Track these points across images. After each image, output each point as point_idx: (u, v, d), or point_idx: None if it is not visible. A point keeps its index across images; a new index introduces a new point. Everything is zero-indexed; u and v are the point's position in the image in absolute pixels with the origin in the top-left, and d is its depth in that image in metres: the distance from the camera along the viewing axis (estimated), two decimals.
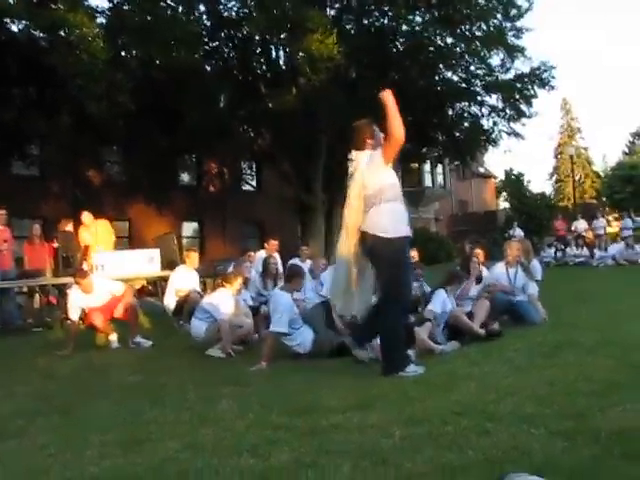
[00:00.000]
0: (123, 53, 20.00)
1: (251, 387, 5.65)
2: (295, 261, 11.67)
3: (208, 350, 7.63)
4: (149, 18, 19.18)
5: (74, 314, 8.86)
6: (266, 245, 12.46)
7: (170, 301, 10.26)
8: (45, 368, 7.23)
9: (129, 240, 25.15)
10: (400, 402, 4.70)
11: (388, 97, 6.10)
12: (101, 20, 19.67)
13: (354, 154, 6.17)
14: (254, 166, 30.80)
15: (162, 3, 20.53)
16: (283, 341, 7.33)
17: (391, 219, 5.81)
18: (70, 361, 7.65)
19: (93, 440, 4.21)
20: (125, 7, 19.90)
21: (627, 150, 73.92)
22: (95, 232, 12.69)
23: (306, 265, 10.96)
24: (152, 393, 5.61)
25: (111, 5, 20.18)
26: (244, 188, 30.05)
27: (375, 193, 5.85)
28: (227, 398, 5.20)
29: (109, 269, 11.56)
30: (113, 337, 8.89)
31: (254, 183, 31.18)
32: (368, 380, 5.63)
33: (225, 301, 8.09)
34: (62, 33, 17.20)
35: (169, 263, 12.18)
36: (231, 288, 8.32)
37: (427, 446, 3.63)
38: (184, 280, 10.27)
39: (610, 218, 28.75)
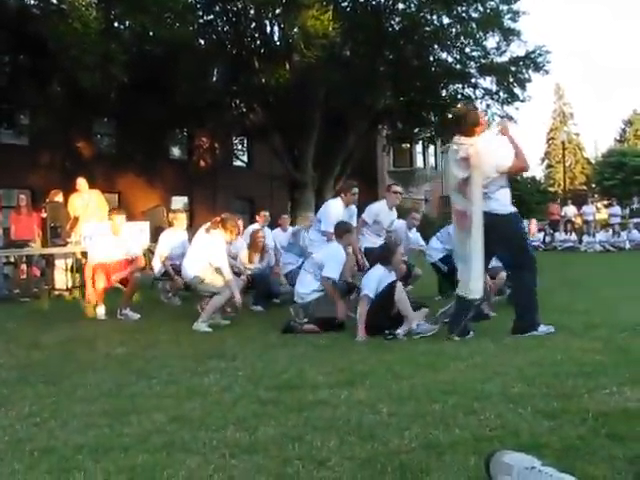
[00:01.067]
0: (116, 24, 19.79)
1: (238, 361, 5.63)
2: (277, 231, 11.79)
3: (195, 324, 7.59)
4: None
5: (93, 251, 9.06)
6: (257, 217, 12.38)
7: (156, 265, 10.18)
8: (31, 338, 7.17)
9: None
10: (388, 379, 4.71)
11: (507, 130, 6.52)
12: None
13: (461, 139, 6.37)
14: (245, 142, 30.70)
15: None
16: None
17: (509, 199, 6.48)
18: (56, 332, 7.59)
19: (78, 410, 4.19)
20: None
21: (618, 137, 74.12)
22: (88, 200, 12.59)
23: (287, 235, 11.26)
24: (138, 365, 5.57)
25: None
26: (235, 163, 29.97)
27: (495, 179, 6.29)
28: (214, 372, 5.18)
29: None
30: (101, 310, 8.79)
31: (245, 159, 31.08)
32: (355, 356, 5.63)
33: (219, 245, 8.01)
34: (54, 1, 17.00)
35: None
36: (226, 234, 8.14)
37: (414, 423, 3.63)
38: (171, 243, 10.06)
39: (599, 205, 28.81)
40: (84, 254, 11.92)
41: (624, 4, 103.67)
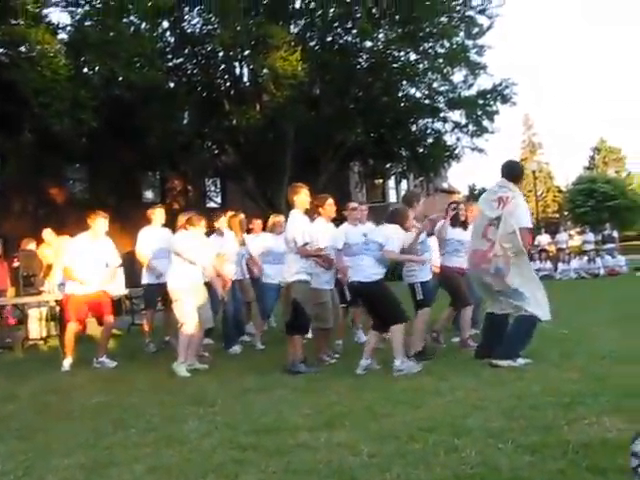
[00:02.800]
0: (86, 70, 19.82)
1: (216, 406, 5.57)
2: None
3: (174, 364, 7.50)
4: (111, 34, 19.02)
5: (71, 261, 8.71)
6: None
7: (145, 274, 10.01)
8: (4, 390, 7.03)
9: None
10: (367, 419, 4.68)
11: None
12: (63, 36, 19.49)
13: (505, 182, 7.01)
14: (218, 182, 30.72)
15: (125, 19, 20.40)
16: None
17: None
18: (30, 382, 7.46)
19: (54, 465, 4.10)
20: (87, 23, 19.70)
21: (587, 164, 75.28)
22: (57, 249, 12.45)
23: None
24: (116, 415, 5.49)
25: (73, 21, 19.96)
26: (208, 205, 29.93)
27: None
28: (192, 418, 5.13)
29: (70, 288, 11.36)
30: (67, 362, 8.46)
31: (219, 199, 31.06)
32: (334, 397, 5.60)
33: (190, 241, 8.02)
34: (23, 49, 17.02)
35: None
36: (196, 229, 8.16)
37: (395, 464, 3.61)
38: (151, 241, 9.86)
39: (572, 232, 29.09)
40: (58, 302, 11.79)
41: (590, 37, 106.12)
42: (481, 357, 6.84)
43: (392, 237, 6.87)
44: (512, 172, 7.16)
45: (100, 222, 8.83)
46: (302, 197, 7.51)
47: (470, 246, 7.35)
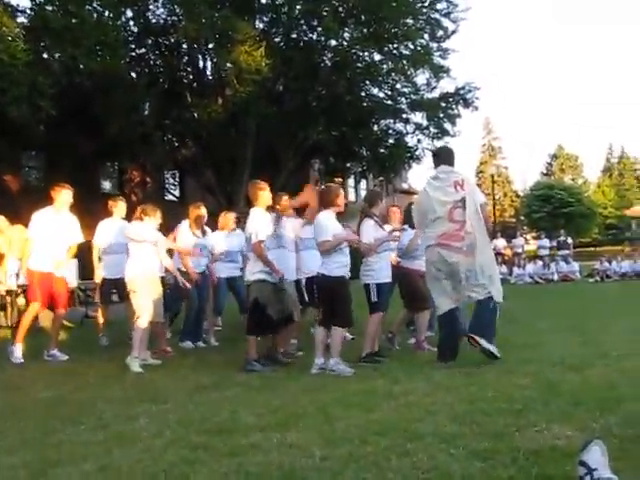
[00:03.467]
0: (45, 56, 19.45)
1: (169, 403, 5.52)
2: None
3: (127, 359, 7.41)
4: (74, 21, 18.71)
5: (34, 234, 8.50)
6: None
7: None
8: None
9: None
10: (320, 421, 4.67)
11: None
12: (22, 20, 19.10)
13: (448, 168, 7.34)
14: (177, 176, 30.45)
15: (88, 6, 20.07)
16: None
17: None
18: None
19: None
20: (48, 7, 19.34)
21: (545, 171, 76.44)
22: (10, 238, 12.19)
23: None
24: (66, 411, 5.40)
25: (33, 4, 19.56)
26: (167, 198, 29.64)
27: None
28: (144, 416, 5.06)
29: (22, 278, 11.14)
30: (17, 349, 8.25)
31: (177, 193, 30.79)
32: (288, 397, 5.57)
33: (147, 229, 8.00)
34: None
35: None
36: (151, 220, 8.14)
37: (347, 468, 3.60)
38: (108, 233, 9.84)
39: (528, 237, 29.51)
40: (8, 292, 11.56)
41: (553, 42, 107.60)
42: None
43: (322, 226, 6.87)
44: (452, 158, 7.47)
45: (64, 195, 8.66)
46: (265, 194, 7.47)
47: (432, 234, 7.22)
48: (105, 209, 10.17)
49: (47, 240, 8.47)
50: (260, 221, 7.31)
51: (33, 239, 8.54)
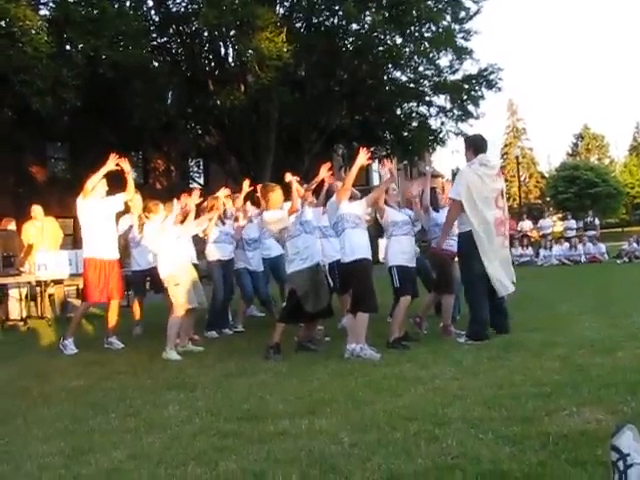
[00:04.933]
0: (68, 47, 19.58)
1: (197, 391, 5.55)
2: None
3: (163, 354, 7.44)
4: (95, 12, 18.80)
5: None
6: None
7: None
8: None
9: (74, 238, 24.63)
10: (348, 407, 4.67)
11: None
12: (44, 12, 19.24)
13: (489, 157, 7.75)
14: (201, 163, 30.56)
15: None
16: None
17: None
18: (9, 365, 7.41)
19: (32, 450, 4.07)
20: (70, 0, 19.46)
21: (570, 151, 75.63)
22: (42, 228, 12.35)
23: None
24: (96, 399, 5.46)
25: None
26: (191, 185, 29.77)
27: None
28: (173, 403, 5.10)
29: (52, 269, 11.28)
30: (70, 344, 8.23)
31: (201, 180, 30.91)
32: (316, 383, 5.58)
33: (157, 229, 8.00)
34: (3, 24, 16.76)
35: None
36: (157, 215, 8.13)
37: (376, 453, 3.60)
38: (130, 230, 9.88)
39: (555, 218, 29.24)
40: (38, 283, 11.69)
41: (576, 24, 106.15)
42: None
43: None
44: (487, 146, 7.76)
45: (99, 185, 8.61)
46: (274, 196, 7.40)
47: (486, 219, 7.42)
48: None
49: (98, 227, 8.51)
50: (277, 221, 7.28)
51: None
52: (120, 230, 9.69)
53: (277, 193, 7.39)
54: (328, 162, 8.30)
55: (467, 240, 7.43)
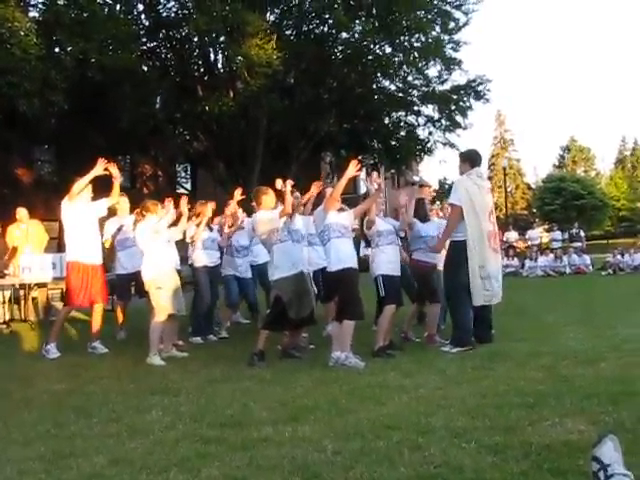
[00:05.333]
0: (57, 50, 19.50)
1: (181, 397, 5.53)
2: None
3: (147, 359, 7.40)
4: (85, 15, 18.74)
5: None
6: None
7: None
8: None
9: (59, 241, 24.51)
10: (332, 414, 4.67)
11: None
12: (34, 14, 19.15)
13: (481, 172, 8.03)
14: (189, 169, 30.50)
15: (99, 0, 20.11)
16: None
17: None
18: None
19: (13, 455, 4.04)
20: (60, 2, 19.40)
21: (557, 163, 76.08)
22: (26, 231, 12.27)
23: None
24: (78, 403, 5.43)
25: None
26: (178, 191, 29.71)
27: None
28: (156, 408, 5.08)
29: (36, 272, 11.22)
30: (52, 348, 8.12)
31: (189, 186, 30.82)
32: (300, 390, 5.58)
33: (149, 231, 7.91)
34: None
35: None
36: (154, 214, 8.02)
37: (359, 462, 3.60)
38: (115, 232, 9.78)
39: (540, 229, 29.40)
40: (22, 286, 11.62)
41: (565, 37, 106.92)
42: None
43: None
44: (481, 161, 8.05)
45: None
46: (268, 199, 7.43)
47: (481, 229, 7.52)
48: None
49: (83, 232, 8.45)
50: (268, 221, 7.28)
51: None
52: (110, 232, 9.67)
53: (270, 196, 7.44)
54: (319, 181, 8.33)
55: (460, 249, 7.47)
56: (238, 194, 9.25)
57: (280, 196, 7.51)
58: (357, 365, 6.60)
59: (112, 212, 9.85)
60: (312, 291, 7.49)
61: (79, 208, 8.35)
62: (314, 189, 8.18)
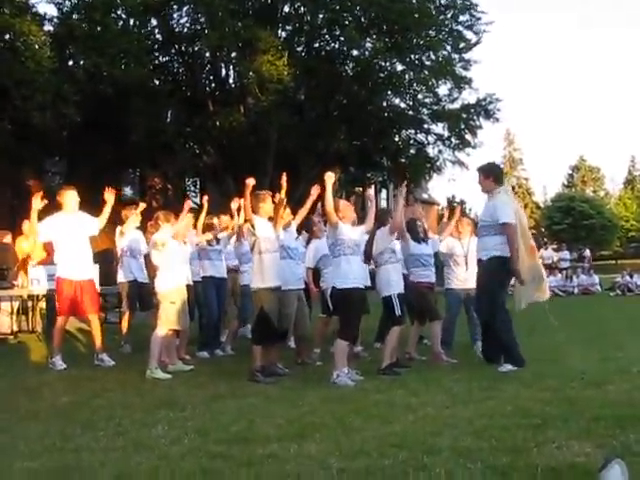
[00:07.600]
0: (70, 63, 19.67)
1: (187, 411, 5.53)
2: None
3: (147, 373, 7.40)
4: (98, 29, 18.92)
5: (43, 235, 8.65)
6: None
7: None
8: None
9: None
10: (338, 432, 4.66)
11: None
12: (48, 28, 19.33)
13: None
14: (198, 183, 30.58)
15: (113, 15, 20.29)
16: None
17: None
18: None
19: (18, 468, 4.03)
20: (74, 16, 19.59)
21: (566, 182, 75.89)
22: (34, 243, 12.30)
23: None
24: (84, 416, 5.43)
25: (60, 13, 19.82)
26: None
27: None
28: (162, 423, 5.08)
29: (44, 284, 11.23)
30: (58, 360, 8.15)
31: (197, 200, 30.87)
32: (306, 408, 5.57)
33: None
34: (7, 38, 16.84)
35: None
36: (168, 224, 8.07)
37: None
38: (126, 243, 9.88)
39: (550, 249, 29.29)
40: (30, 297, 11.64)
41: (575, 57, 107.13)
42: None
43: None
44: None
45: (69, 196, 8.75)
46: (266, 206, 7.47)
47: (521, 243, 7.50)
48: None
49: (69, 245, 8.49)
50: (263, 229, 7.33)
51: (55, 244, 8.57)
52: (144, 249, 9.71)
53: (268, 203, 7.48)
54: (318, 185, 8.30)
55: (500, 265, 7.39)
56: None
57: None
58: (347, 384, 6.57)
59: (121, 221, 9.96)
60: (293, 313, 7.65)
61: (64, 223, 8.53)
62: (314, 192, 8.14)
